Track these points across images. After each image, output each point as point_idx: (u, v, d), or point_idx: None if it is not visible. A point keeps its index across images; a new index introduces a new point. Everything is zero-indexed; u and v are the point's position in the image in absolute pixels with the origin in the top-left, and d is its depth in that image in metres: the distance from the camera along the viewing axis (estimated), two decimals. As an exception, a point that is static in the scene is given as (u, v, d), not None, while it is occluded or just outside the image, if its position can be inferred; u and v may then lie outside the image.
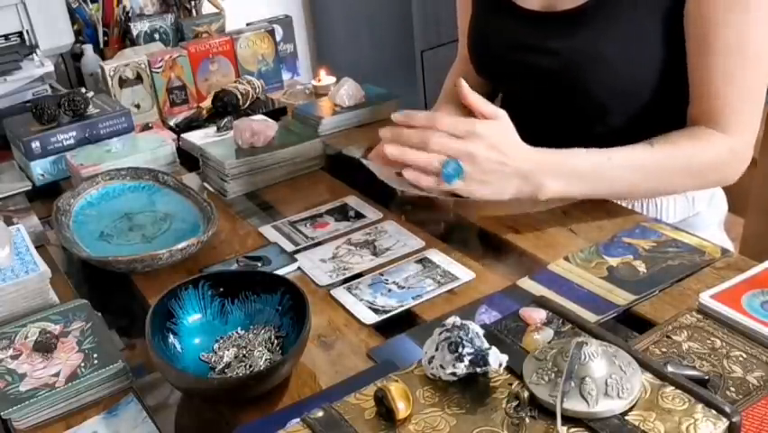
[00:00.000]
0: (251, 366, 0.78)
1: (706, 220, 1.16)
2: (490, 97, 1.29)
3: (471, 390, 0.62)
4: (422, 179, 0.92)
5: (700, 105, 1.00)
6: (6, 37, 1.52)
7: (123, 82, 1.49)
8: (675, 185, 1.02)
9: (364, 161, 1.05)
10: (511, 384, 0.62)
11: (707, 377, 0.66)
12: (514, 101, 1.24)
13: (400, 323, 0.84)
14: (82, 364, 0.79)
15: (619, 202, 1.10)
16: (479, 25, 1.19)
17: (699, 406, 0.57)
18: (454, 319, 0.65)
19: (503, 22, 1.12)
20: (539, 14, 1.07)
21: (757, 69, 0.97)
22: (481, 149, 0.90)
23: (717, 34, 0.95)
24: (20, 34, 1.53)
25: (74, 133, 1.31)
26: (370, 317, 0.85)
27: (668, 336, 0.73)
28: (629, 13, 0.99)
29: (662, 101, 1.04)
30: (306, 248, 1.01)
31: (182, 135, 1.36)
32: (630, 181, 0.98)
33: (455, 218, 1.06)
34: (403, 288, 0.90)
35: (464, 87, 0.95)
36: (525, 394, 0.60)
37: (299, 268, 0.97)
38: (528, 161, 0.93)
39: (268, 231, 1.07)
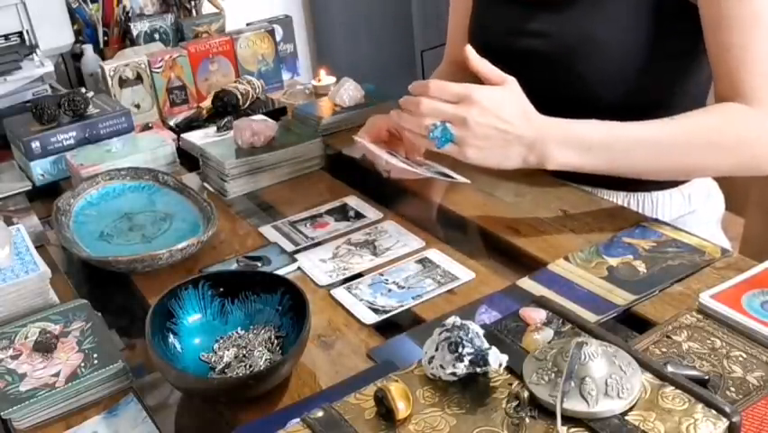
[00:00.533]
0: (251, 366, 0.78)
1: (703, 218, 1.16)
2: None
3: (471, 390, 0.62)
4: (418, 140, 0.92)
5: (724, 82, 0.96)
6: (6, 37, 1.52)
7: (123, 82, 1.49)
8: (701, 161, 0.94)
9: (355, 138, 1.04)
10: (511, 384, 0.62)
11: (707, 377, 0.66)
12: None
13: (400, 323, 0.84)
14: (82, 364, 0.79)
15: (617, 201, 1.10)
16: (478, 17, 1.20)
17: (699, 406, 0.57)
18: (454, 319, 0.65)
19: (501, 10, 1.13)
20: (535, 0, 1.07)
21: None
22: (474, 113, 0.87)
23: (730, 9, 0.93)
24: (20, 34, 1.53)
25: (74, 133, 1.31)
26: (370, 317, 0.85)
27: (668, 336, 0.73)
28: None
29: (658, 88, 1.04)
30: (306, 248, 1.01)
31: (182, 135, 1.36)
32: (647, 156, 0.93)
33: (455, 218, 1.06)
34: (403, 288, 0.90)
35: (471, 52, 0.93)
36: (525, 394, 0.60)
37: (299, 268, 0.97)
38: (534, 129, 0.90)
39: (268, 231, 1.07)
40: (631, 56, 1.01)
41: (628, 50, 1.01)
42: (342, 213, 1.09)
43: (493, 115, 0.88)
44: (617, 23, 1.00)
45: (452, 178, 1.01)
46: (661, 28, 1.00)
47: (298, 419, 0.61)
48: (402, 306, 0.87)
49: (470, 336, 0.63)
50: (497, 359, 0.62)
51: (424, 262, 0.95)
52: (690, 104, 0.99)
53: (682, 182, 1.13)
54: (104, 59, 1.65)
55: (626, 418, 0.57)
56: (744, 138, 0.93)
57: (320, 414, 0.61)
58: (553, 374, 0.60)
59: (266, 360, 0.79)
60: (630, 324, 0.80)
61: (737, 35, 0.93)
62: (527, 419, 0.58)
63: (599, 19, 1.01)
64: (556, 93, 1.10)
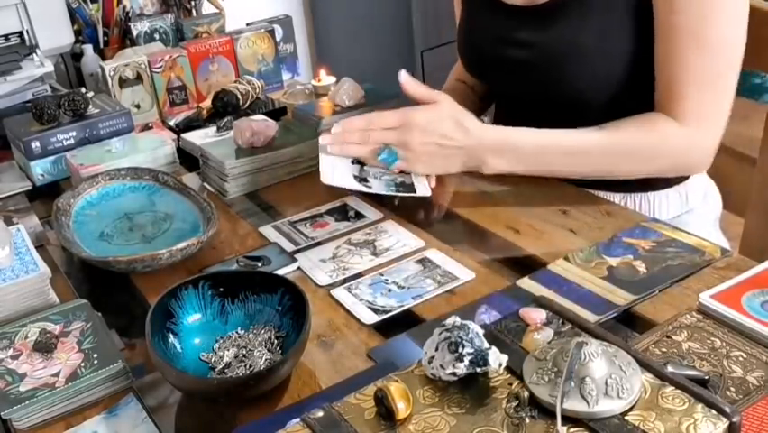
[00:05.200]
0: (251, 366, 0.78)
1: (700, 217, 1.16)
2: (490, 96, 1.31)
3: (471, 390, 0.62)
4: (369, 162, 1.04)
5: (659, 93, 1.02)
6: (6, 37, 1.52)
7: (123, 82, 1.49)
8: (622, 170, 1.05)
9: (321, 147, 1.08)
10: (511, 384, 0.62)
11: (707, 377, 0.66)
12: (503, 98, 1.27)
13: (400, 323, 0.84)
14: (82, 364, 0.79)
15: (615, 200, 1.10)
16: (466, 24, 1.21)
17: (699, 406, 0.57)
18: (454, 319, 0.65)
19: (488, 19, 1.14)
20: (521, 9, 1.08)
21: (717, 57, 0.97)
22: (415, 136, 0.98)
23: (677, 21, 0.96)
24: (20, 34, 1.53)
25: (74, 133, 1.31)
26: (370, 317, 0.85)
27: (668, 336, 0.73)
28: (605, 6, 1.00)
29: (643, 96, 1.05)
30: (306, 248, 1.01)
31: (182, 135, 1.36)
32: (572, 165, 1.03)
33: (455, 218, 1.07)
34: (403, 288, 0.90)
35: (404, 77, 1.02)
36: (525, 394, 0.60)
37: (299, 268, 0.97)
38: (471, 139, 0.99)
39: (268, 231, 1.07)
40: (616, 62, 1.02)
41: (614, 56, 1.02)
42: (342, 213, 1.09)
43: (431, 134, 0.99)
44: (602, 30, 1.01)
45: (413, 192, 1.05)
46: (644, 33, 1.00)
47: (298, 419, 0.62)
48: (402, 306, 0.87)
49: (470, 336, 0.63)
50: (497, 359, 0.62)
51: (423, 262, 0.95)
52: None
53: (679, 182, 1.13)
54: (104, 59, 1.65)
55: (626, 418, 0.57)
56: (666, 149, 1.01)
57: (320, 414, 0.61)
58: (553, 374, 0.60)
59: (266, 360, 0.79)
60: (630, 324, 0.80)
61: (682, 49, 0.97)
62: (527, 419, 0.58)
63: (584, 27, 1.02)
64: (545, 100, 1.12)
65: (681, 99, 0.99)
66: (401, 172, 1.10)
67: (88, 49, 1.67)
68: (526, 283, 0.88)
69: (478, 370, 0.62)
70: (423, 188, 1.08)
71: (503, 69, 1.12)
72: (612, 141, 1.01)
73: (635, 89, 1.05)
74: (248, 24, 1.71)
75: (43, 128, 1.30)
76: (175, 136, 1.36)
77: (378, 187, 1.04)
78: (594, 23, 1.01)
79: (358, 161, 1.09)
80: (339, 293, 0.90)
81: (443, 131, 0.99)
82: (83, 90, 1.43)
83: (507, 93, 1.24)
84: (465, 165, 1.03)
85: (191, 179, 1.26)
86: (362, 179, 1.05)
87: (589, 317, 0.80)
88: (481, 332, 0.64)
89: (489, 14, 1.14)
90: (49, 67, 1.53)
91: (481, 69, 1.20)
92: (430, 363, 0.64)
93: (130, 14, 1.74)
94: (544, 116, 1.14)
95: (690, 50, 0.96)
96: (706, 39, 0.95)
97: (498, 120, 1.31)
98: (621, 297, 0.83)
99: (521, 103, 1.20)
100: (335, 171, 1.04)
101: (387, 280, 0.92)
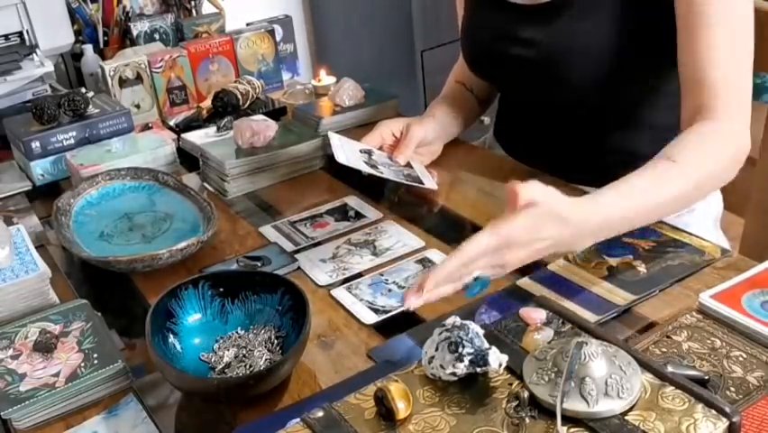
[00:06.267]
0: (251, 366, 0.78)
1: (701, 216, 1.16)
2: (490, 99, 1.32)
3: (471, 390, 0.62)
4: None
5: (693, 89, 0.95)
6: (6, 37, 1.52)
7: (123, 82, 1.49)
8: (704, 196, 0.97)
9: (330, 135, 1.12)
10: (511, 384, 0.62)
11: (707, 377, 0.66)
12: (506, 96, 1.27)
13: (400, 323, 0.84)
14: (82, 364, 0.79)
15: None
16: (470, 22, 1.21)
17: (699, 406, 0.57)
18: (454, 319, 0.65)
19: (491, 16, 1.14)
20: (524, 7, 1.08)
21: (744, 45, 0.93)
22: (514, 253, 0.78)
23: (703, 11, 0.92)
24: (20, 34, 1.53)
25: (74, 133, 1.31)
26: (370, 318, 0.85)
27: (668, 336, 0.73)
28: (607, 5, 1.00)
29: (643, 89, 1.06)
30: (306, 248, 1.01)
31: (182, 135, 1.36)
32: (663, 212, 0.92)
33: (455, 218, 1.06)
34: (403, 288, 0.90)
35: (514, 188, 0.83)
36: (525, 394, 0.60)
37: (299, 268, 0.97)
38: (567, 228, 0.81)
39: (268, 231, 1.07)
40: (616, 61, 1.03)
41: (613, 54, 1.02)
42: (342, 213, 1.09)
43: (530, 243, 0.80)
44: (602, 29, 1.01)
45: (421, 183, 1.09)
46: (644, 31, 1.01)
47: (298, 419, 0.62)
48: (402, 306, 0.87)
49: (470, 336, 0.63)
50: (497, 359, 0.62)
51: (423, 262, 0.95)
52: (675, 101, 1.00)
53: None
54: (104, 59, 1.65)
55: (626, 418, 0.57)
56: (733, 163, 0.94)
57: (320, 414, 0.61)
58: (553, 374, 0.60)
59: (266, 360, 0.79)
60: (630, 324, 0.80)
61: (713, 34, 0.92)
62: (527, 419, 0.58)
63: (585, 26, 1.02)
64: (548, 97, 1.12)
65: (722, 92, 0.92)
66: (407, 165, 1.13)
67: (88, 49, 1.67)
68: (526, 283, 0.88)
69: (478, 370, 0.62)
70: (429, 182, 1.10)
71: (506, 66, 1.13)
72: (696, 179, 0.90)
73: (634, 87, 1.06)
74: (248, 24, 1.71)
75: (43, 128, 1.30)
76: (175, 136, 1.36)
77: (388, 173, 1.07)
78: (595, 21, 1.01)
79: (366, 151, 1.11)
80: (339, 293, 0.90)
81: (544, 235, 0.79)
82: (83, 90, 1.43)
83: (509, 91, 1.24)
84: (555, 254, 0.86)
85: (191, 179, 1.26)
86: (372, 167, 1.07)
87: (589, 317, 0.80)
88: (481, 332, 0.64)
89: (493, 12, 1.14)
90: (49, 67, 1.53)
91: (484, 66, 1.20)
92: (430, 363, 0.64)
93: (130, 14, 1.74)
94: (548, 114, 1.15)
95: (722, 36, 0.92)
96: (735, 26, 0.92)
97: (501, 118, 1.31)
98: (621, 297, 0.83)
99: (524, 101, 1.21)
100: (347, 157, 1.07)
101: (387, 280, 0.92)
